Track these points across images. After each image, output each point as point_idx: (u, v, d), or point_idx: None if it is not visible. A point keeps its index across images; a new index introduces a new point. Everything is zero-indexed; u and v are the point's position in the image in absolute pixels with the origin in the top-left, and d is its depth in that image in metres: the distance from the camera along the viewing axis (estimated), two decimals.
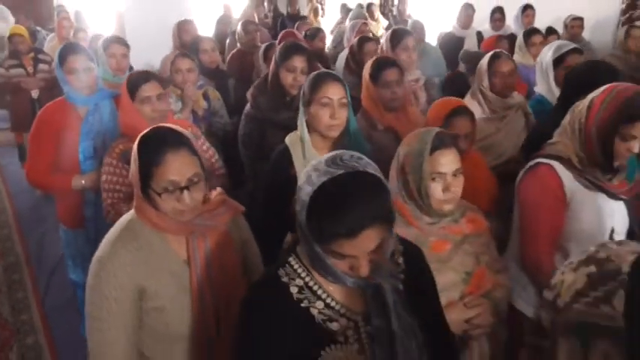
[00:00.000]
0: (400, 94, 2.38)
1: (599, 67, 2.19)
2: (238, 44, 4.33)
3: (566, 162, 1.76)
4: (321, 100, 1.85)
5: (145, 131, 1.40)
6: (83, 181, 2.43)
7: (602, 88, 1.71)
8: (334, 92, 1.85)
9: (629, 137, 1.62)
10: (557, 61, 2.61)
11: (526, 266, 1.85)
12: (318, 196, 1.03)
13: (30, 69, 4.72)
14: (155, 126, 1.42)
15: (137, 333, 1.42)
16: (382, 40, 3.20)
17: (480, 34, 5.17)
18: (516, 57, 3.89)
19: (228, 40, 4.97)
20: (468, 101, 2.73)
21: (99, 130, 2.46)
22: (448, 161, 1.54)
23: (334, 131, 1.88)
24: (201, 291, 1.45)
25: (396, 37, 2.96)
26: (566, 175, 1.75)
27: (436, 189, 1.56)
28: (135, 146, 1.38)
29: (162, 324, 1.43)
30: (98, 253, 1.41)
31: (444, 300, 1.42)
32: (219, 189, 1.61)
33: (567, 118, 1.81)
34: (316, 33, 4.62)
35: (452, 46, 4.92)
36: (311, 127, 1.91)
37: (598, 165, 1.72)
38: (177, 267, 1.44)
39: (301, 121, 1.93)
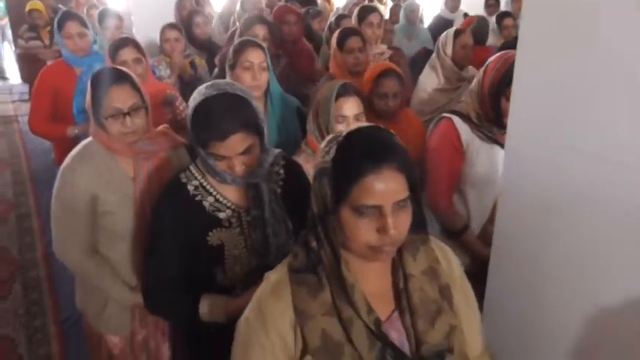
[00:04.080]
0: (362, 60, 2.73)
1: None
2: (237, 23, 4.69)
3: (465, 117, 2.06)
4: (243, 64, 2.15)
5: (96, 70, 1.77)
6: (77, 131, 2.84)
7: (496, 55, 2.01)
8: (255, 57, 2.15)
9: None
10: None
11: (429, 203, 2.17)
12: (197, 110, 1.41)
13: (47, 41, 5.17)
14: (105, 67, 1.79)
15: (91, 231, 1.80)
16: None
17: (466, 17, 5.41)
18: (490, 39, 4.17)
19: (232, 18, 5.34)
20: (427, 72, 3.06)
21: None
22: (349, 107, 1.87)
23: (256, 91, 2.15)
24: (143, 202, 1.82)
25: (362, 13, 3.28)
26: (463, 128, 2.06)
27: (341, 130, 1.89)
28: (89, 82, 1.75)
29: (111, 225, 1.80)
30: (61, 166, 1.79)
31: None
32: (165, 125, 1.98)
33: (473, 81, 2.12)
34: (318, 14, 4.96)
35: (441, 28, 5.17)
36: None
37: (491, 121, 2.02)
38: (125, 182, 1.81)
39: None
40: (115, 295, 1.85)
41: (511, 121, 1.36)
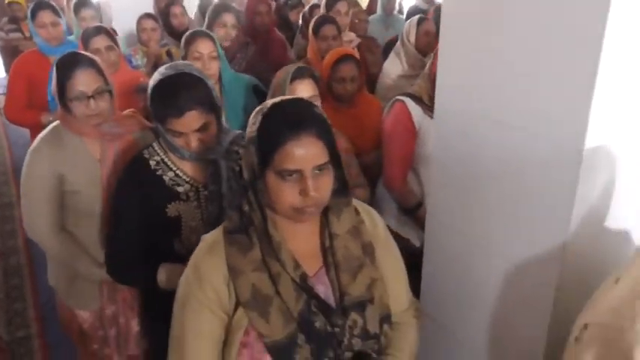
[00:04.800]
0: (336, 47, 2.82)
1: None
2: None
3: (418, 99, 2.17)
4: (193, 54, 2.25)
5: (61, 55, 1.85)
6: (51, 118, 2.90)
7: None
8: (204, 47, 2.25)
9: None
10: None
11: (385, 184, 2.28)
12: (156, 88, 1.51)
13: (27, 33, 5.21)
14: (70, 51, 1.88)
15: (59, 210, 1.89)
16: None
17: (439, 9, 5.52)
18: None
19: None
20: (391, 59, 3.16)
21: None
22: (303, 88, 1.97)
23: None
24: (109, 182, 1.91)
25: (330, 2, 3.38)
26: (416, 110, 2.16)
27: None
28: (54, 66, 1.83)
29: (77, 204, 1.89)
30: (30, 147, 1.88)
31: None
32: (131, 109, 2.07)
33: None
34: (296, 6, 5.04)
35: None
36: None
37: None
38: (91, 163, 1.90)
39: None
40: (82, 270, 1.95)
41: (438, 96, 1.46)
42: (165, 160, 1.62)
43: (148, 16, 3.55)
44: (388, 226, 2.27)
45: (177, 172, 1.61)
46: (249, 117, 1.11)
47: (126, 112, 2.02)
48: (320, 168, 1.03)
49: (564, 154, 1.12)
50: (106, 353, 2.15)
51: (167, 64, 1.57)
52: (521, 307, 1.32)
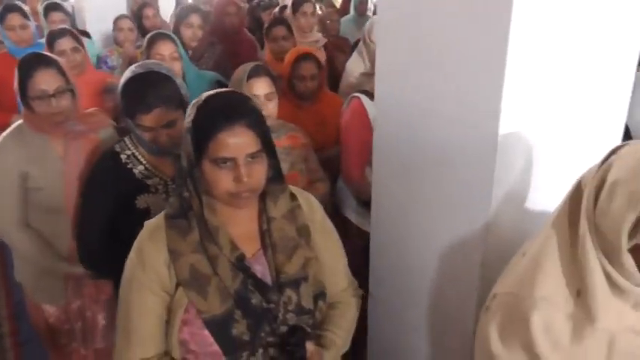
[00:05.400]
0: (287, 48, 2.90)
1: None
2: None
3: (372, 95, 2.26)
4: (154, 57, 2.32)
5: (24, 55, 1.91)
6: (20, 120, 2.95)
7: None
8: (165, 48, 2.33)
9: None
10: None
11: (343, 177, 2.36)
12: (126, 85, 1.61)
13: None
14: (32, 52, 1.94)
15: (23, 206, 1.94)
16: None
17: None
18: None
19: None
20: (354, 58, 3.24)
21: None
22: (260, 86, 2.04)
23: None
24: (72, 179, 1.97)
25: (296, 3, 3.46)
26: (371, 106, 2.25)
27: None
28: (17, 67, 1.89)
29: (41, 200, 1.95)
30: None
31: None
32: (95, 108, 2.14)
33: None
34: (268, 7, 5.11)
35: None
36: None
37: None
38: (55, 160, 1.95)
39: None
40: (47, 265, 2.00)
41: (377, 89, 1.55)
42: (136, 154, 1.70)
43: (125, 16, 3.64)
44: (349, 219, 2.41)
45: (147, 165, 1.69)
46: None
47: (89, 110, 2.08)
48: (252, 156, 1.11)
49: (481, 139, 1.21)
50: (73, 347, 2.20)
51: (138, 63, 1.67)
52: (452, 284, 1.41)
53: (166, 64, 2.28)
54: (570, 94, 1.26)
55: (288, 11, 3.55)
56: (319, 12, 4.66)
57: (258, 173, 1.13)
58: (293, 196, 1.27)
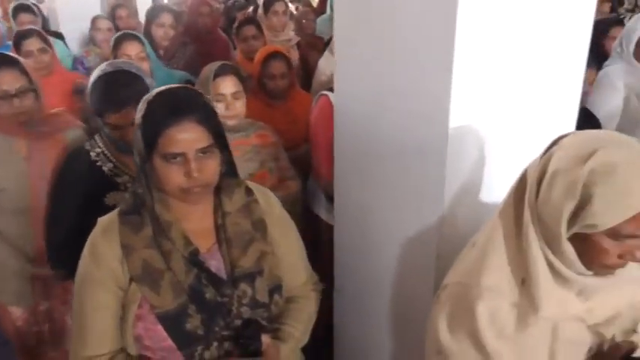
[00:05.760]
0: (257, 47, 2.90)
1: None
2: None
3: None
4: (122, 57, 2.31)
5: None
6: None
7: None
8: (131, 49, 2.33)
9: None
10: None
11: (313, 174, 2.37)
12: (95, 84, 1.61)
13: None
14: None
15: None
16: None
17: None
18: None
19: None
20: (326, 57, 3.25)
21: None
22: (226, 85, 2.04)
23: None
24: (37, 180, 1.95)
25: (268, 2, 3.47)
26: None
27: (220, 108, 2.05)
28: None
29: (5, 201, 1.93)
30: None
31: None
32: (61, 108, 2.12)
33: None
34: (243, 7, 5.11)
35: None
36: None
37: None
38: (18, 161, 1.94)
39: None
40: (13, 267, 1.98)
41: (336, 86, 1.56)
42: (106, 152, 1.70)
43: (103, 17, 3.62)
44: (319, 216, 2.42)
45: (117, 163, 1.69)
46: None
47: (54, 110, 2.06)
48: (203, 151, 1.11)
49: (432, 133, 1.23)
50: (42, 350, 2.18)
51: (107, 62, 1.67)
52: (411, 277, 1.43)
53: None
54: (521, 87, 1.29)
55: (260, 10, 3.56)
56: (294, 11, 4.68)
57: (209, 168, 1.13)
58: (249, 191, 1.27)
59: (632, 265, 1.02)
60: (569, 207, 0.90)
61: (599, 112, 2.51)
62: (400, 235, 1.41)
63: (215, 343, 1.15)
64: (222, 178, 1.19)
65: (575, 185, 0.89)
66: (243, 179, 1.27)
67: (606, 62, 2.72)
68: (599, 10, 3.63)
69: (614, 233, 0.90)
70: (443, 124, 1.20)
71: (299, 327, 1.30)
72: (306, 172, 2.51)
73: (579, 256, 0.94)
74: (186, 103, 1.12)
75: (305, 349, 1.35)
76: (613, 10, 3.62)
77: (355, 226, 1.60)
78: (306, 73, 3.51)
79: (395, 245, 1.44)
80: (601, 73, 2.60)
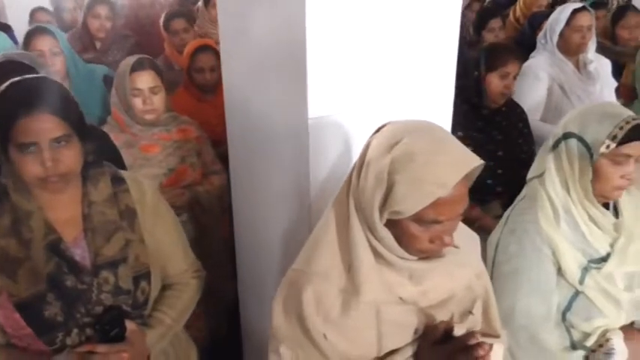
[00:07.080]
0: (188, 40, 2.93)
1: None
2: None
3: None
4: (34, 52, 2.25)
5: None
6: None
7: None
8: (44, 44, 2.29)
9: None
10: None
11: None
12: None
13: None
14: None
15: None
16: None
17: None
18: None
19: None
20: None
21: None
22: (143, 80, 2.03)
23: (54, 77, 2.31)
24: None
25: None
26: None
27: (137, 102, 2.06)
28: None
29: None
30: None
31: None
32: None
33: None
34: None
35: None
36: None
37: None
38: None
39: None
40: None
41: (224, 77, 1.61)
42: None
43: (42, 9, 3.55)
44: None
45: None
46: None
47: None
48: (58, 140, 1.13)
49: (294, 125, 1.28)
50: None
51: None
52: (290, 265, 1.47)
53: (47, 59, 2.28)
54: (386, 78, 1.33)
55: (200, 3, 3.57)
56: None
57: (66, 158, 1.15)
58: (120, 180, 1.30)
59: (464, 250, 1.08)
60: (378, 195, 0.95)
61: (524, 102, 2.55)
62: (281, 223, 1.46)
63: (76, 330, 1.19)
64: (87, 167, 1.22)
65: (381, 174, 0.94)
66: (111, 168, 1.30)
67: (532, 54, 2.77)
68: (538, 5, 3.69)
69: (419, 219, 0.94)
70: (302, 116, 1.24)
71: (171, 313, 1.34)
72: None
73: (397, 241, 0.99)
74: (39, 94, 1.14)
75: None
76: (553, 5, 3.66)
77: (248, 219, 1.65)
78: None
79: (277, 233, 1.49)
80: (525, 64, 2.64)
